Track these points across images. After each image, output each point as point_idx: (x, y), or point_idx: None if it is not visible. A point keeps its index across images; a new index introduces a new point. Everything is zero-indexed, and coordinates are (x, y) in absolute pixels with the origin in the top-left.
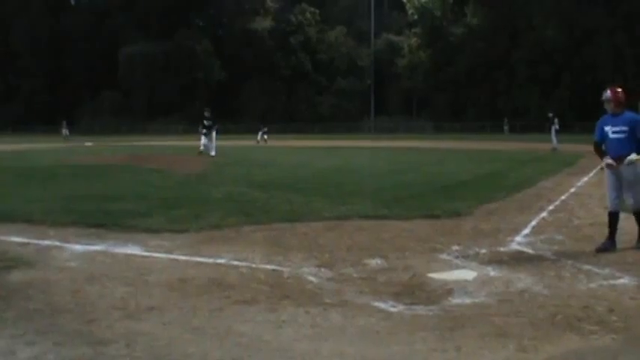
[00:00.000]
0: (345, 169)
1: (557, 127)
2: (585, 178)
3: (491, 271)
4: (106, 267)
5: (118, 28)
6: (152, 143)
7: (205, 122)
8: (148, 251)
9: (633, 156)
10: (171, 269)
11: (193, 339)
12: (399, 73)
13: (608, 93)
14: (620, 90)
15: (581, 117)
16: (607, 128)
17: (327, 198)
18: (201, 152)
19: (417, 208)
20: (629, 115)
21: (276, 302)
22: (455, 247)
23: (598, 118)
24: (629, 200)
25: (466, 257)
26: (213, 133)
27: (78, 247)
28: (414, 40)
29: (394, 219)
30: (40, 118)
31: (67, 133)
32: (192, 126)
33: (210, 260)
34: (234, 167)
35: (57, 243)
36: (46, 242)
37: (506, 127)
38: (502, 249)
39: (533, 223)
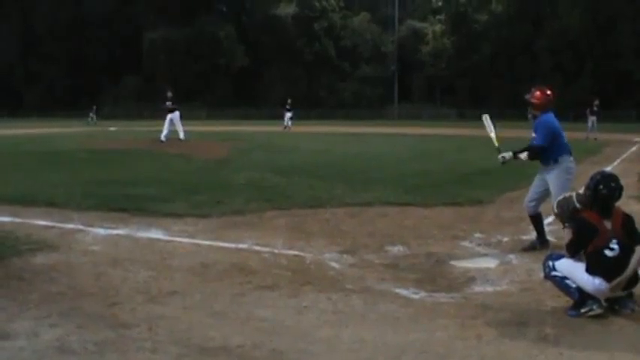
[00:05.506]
0: (367, 155)
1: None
2: (609, 168)
3: (514, 259)
4: (128, 251)
5: (140, 14)
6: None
7: (167, 104)
8: (171, 236)
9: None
10: (193, 254)
11: (215, 323)
12: (423, 59)
13: (536, 92)
14: (548, 92)
15: (604, 105)
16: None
17: (350, 184)
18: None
19: (439, 195)
20: (540, 118)
21: (298, 288)
22: (477, 235)
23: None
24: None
25: (488, 245)
26: (177, 114)
27: (101, 231)
28: (438, 27)
29: (416, 206)
30: (62, 103)
31: (95, 119)
32: (214, 111)
33: (232, 245)
34: (257, 153)
35: (80, 227)
36: (70, 226)
37: (530, 115)
38: (524, 237)
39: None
